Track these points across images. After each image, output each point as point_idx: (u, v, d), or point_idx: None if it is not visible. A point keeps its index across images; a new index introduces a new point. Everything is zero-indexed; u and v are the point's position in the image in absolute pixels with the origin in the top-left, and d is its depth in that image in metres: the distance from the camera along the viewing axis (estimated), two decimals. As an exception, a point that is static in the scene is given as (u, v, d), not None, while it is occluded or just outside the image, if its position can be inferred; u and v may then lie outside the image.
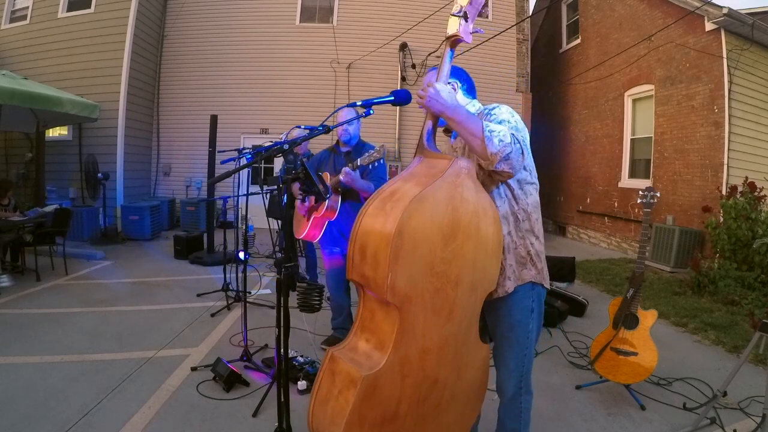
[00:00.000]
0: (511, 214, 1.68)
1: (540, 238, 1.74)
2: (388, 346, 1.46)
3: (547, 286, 1.77)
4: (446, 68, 1.63)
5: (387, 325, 1.50)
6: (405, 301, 1.43)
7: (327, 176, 3.12)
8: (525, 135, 1.57)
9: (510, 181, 1.65)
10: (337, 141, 3.28)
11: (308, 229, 3.12)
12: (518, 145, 1.49)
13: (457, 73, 1.82)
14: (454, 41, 1.62)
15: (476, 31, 1.64)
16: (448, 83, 1.75)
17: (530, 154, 1.65)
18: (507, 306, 1.70)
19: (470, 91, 1.84)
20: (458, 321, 1.56)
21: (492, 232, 1.56)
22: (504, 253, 1.64)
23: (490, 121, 1.57)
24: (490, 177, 1.62)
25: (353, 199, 3.02)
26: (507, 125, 1.55)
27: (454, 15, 1.59)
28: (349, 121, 3.00)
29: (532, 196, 1.71)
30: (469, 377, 1.66)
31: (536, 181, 1.73)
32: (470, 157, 1.64)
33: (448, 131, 1.84)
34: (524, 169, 1.65)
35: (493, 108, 1.66)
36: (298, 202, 3.28)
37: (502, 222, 1.62)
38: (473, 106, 1.79)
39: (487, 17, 9.62)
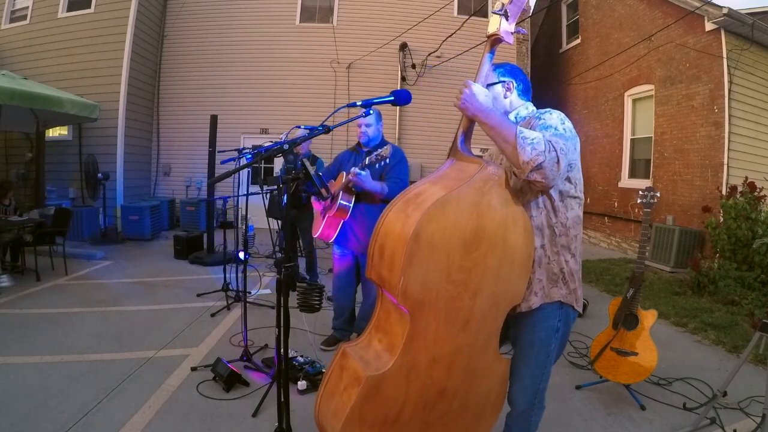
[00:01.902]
0: (548, 227, 1.56)
1: (577, 256, 1.62)
2: (397, 350, 1.44)
3: (579, 309, 1.65)
4: (485, 69, 1.56)
5: (400, 327, 1.47)
6: (417, 306, 1.40)
7: (343, 176, 3.09)
8: (570, 145, 1.45)
9: (551, 192, 1.53)
10: (358, 141, 3.26)
11: (322, 228, 3.12)
12: (553, 154, 1.37)
13: (514, 72, 1.72)
14: (494, 41, 1.53)
15: (518, 31, 1.55)
16: (503, 81, 1.69)
17: (579, 167, 1.56)
18: (531, 322, 1.62)
19: (526, 92, 1.73)
20: (475, 332, 1.50)
21: (521, 244, 1.47)
22: (534, 267, 1.55)
23: (537, 126, 1.49)
24: (530, 186, 1.51)
25: (367, 200, 2.98)
26: (550, 131, 1.44)
27: (495, 13, 1.51)
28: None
29: (573, 211, 1.58)
30: (482, 390, 1.61)
31: (581, 195, 1.60)
32: (503, 163, 1.56)
33: None
34: (568, 181, 1.55)
35: (544, 113, 1.56)
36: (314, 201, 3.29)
37: (535, 234, 1.53)
38: (526, 108, 1.70)
39: (485, 17, 9.61)
